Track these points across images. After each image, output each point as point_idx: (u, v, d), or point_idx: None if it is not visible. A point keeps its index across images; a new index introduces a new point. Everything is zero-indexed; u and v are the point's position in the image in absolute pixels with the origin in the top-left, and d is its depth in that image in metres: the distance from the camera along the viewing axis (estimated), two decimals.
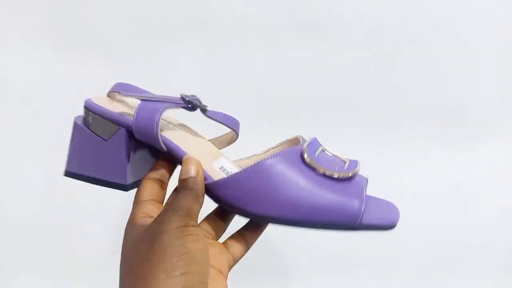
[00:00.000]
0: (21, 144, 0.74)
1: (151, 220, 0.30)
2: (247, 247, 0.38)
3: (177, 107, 0.36)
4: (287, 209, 0.33)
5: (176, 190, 0.34)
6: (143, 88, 0.41)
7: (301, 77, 0.74)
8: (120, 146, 0.35)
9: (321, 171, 0.34)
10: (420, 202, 0.75)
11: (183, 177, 0.32)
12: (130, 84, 0.40)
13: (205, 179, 0.34)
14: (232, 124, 0.42)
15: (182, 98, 0.37)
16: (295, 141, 0.39)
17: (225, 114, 0.41)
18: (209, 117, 0.40)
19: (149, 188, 0.35)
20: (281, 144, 0.41)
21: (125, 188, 0.35)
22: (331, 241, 0.74)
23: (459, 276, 0.76)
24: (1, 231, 0.74)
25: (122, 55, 0.74)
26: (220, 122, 0.41)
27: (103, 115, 0.35)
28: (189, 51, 0.74)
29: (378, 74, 0.75)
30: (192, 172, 0.32)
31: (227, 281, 0.34)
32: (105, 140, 0.35)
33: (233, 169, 0.38)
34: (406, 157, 0.77)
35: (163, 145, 0.35)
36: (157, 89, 0.73)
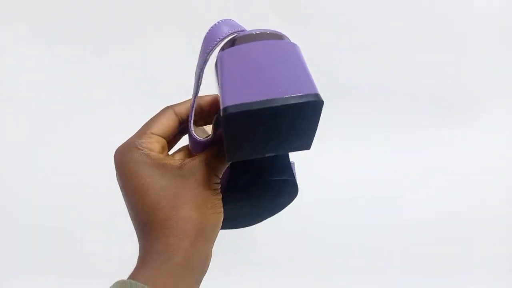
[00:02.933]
0: (19, 141, 0.74)
1: (151, 156, 0.30)
2: None
3: None
4: None
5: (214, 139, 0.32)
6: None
7: None
8: None
9: None
10: (412, 187, 0.75)
11: None
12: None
13: None
14: None
15: None
16: None
17: None
18: None
19: (165, 121, 0.33)
20: None
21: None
22: (326, 240, 0.75)
23: (457, 263, 0.75)
24: (2, 232, 0.74)
25: (113, 49, 0.75)
26: None
27: None
28: (175, 43, 0.75)
29: (365, 57, 0.75)
30: None
31: None
32: None
33: None
34: (395, 142, 0.77)
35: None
36: (146, 82, 0.74)
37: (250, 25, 0.77)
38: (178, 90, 0.74)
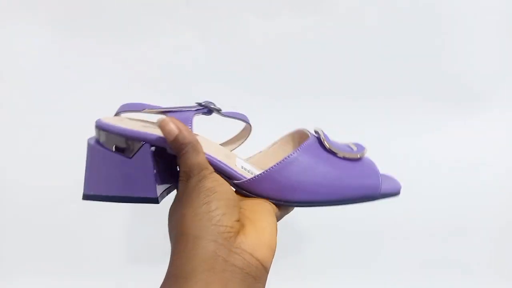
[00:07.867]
0: (20, 136, 0.74)
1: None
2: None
3: (199, 113, 0.38)
4: (319, 192, 0.37)
5: (176, 155, 0.35)
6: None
7: (298, 48, 0.75)
8: (145, 161, 0.35)
9: (341, 155, 0.39)
10: (417, 176, 0.74)
11: (171, 139, 0.33)
12: (135, 103, 0.39)
13: (238, 179, 0.37)
14: (244, 118, 0.43)
15: (199, 104, 0.38)
16: (300, 133, 0.43)
17: (235, 112, 0.42)
18: (224, 115, 0.40)
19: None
20: (283, 138, 0.44)
21: (156, 201, 0.35)
22: (329, 241, 0.74)
23: (460, 248, 0.76)
24: (3, 231, 0.74)
25: (113, 38, 0.74)
26: (237, 118, 0.42)
27: (124, 134, 0.35)
28: (181, 29, 0.74)
29: (374, 45, 0.75)
30: (174, 129, 0.33)
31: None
32: (129, 158, 0.35)
33: (251, 167, 0.41)
34: (403, 129, 0.77)
35: None
36: (150, 69, 0.73)
37: (263, 17, 0.74)
38: (184, 85, 0.73)
